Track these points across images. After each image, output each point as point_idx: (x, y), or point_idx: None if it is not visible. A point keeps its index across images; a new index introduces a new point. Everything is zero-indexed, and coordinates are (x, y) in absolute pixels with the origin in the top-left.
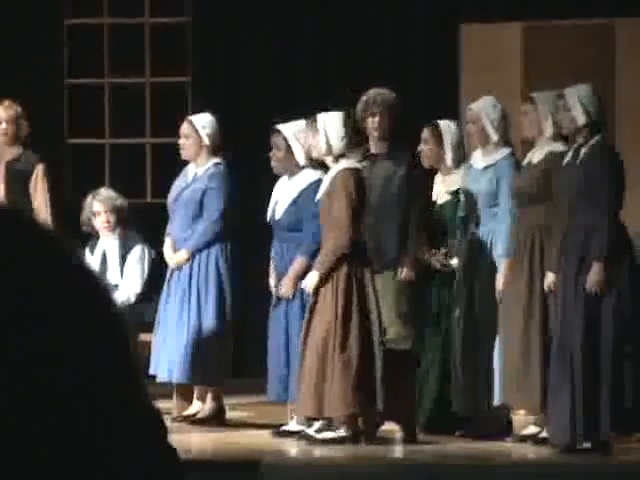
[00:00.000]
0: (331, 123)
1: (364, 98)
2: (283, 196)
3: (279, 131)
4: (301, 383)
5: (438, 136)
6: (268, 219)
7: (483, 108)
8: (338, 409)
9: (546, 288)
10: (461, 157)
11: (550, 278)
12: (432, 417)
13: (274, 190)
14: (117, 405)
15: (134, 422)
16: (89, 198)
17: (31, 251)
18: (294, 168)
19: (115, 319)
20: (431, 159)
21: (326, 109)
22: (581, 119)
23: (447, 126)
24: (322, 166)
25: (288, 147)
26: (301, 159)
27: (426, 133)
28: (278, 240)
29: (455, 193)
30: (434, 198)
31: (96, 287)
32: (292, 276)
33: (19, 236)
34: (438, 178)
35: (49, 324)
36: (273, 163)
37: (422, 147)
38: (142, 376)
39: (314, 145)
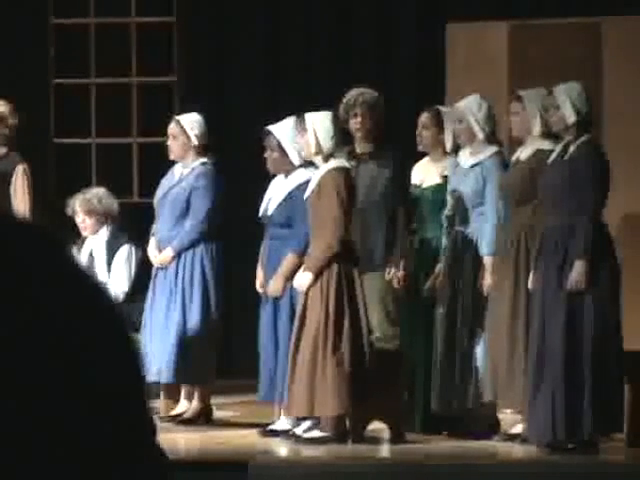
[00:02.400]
0: (320, 123)
1: (345, 99)
2: (277, 192)
3: (270, 132)
4: (292, 383)
5: (439, 120)
6: (260, 215)
7: (468, 107)
8: (329, 408)
9: (530, 287)
10: (456, 145)
11: (532, 276)
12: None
13: (269, 187)
14: (113, 405)
15: (124, 420)
16: (75, 197)
17: (26, 250)
18: (290, 168)
19: (111, 310)
20: (429, 144)
21: (311, 109)
22: (571, 117)
23: (447, 110)
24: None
25: (281, 148)
26: (296, 159)
27: (426, 118)
28: (269, 238)
29: (445, 177)
30: (417, 182)
31: (90, 281)
32: (282, 274)
33: (9, 235)
34: (424, 162)
35: (49, 323)
36: (269, 164)
37: (421, 131)
38: (140, 373)
39: (303, 145)
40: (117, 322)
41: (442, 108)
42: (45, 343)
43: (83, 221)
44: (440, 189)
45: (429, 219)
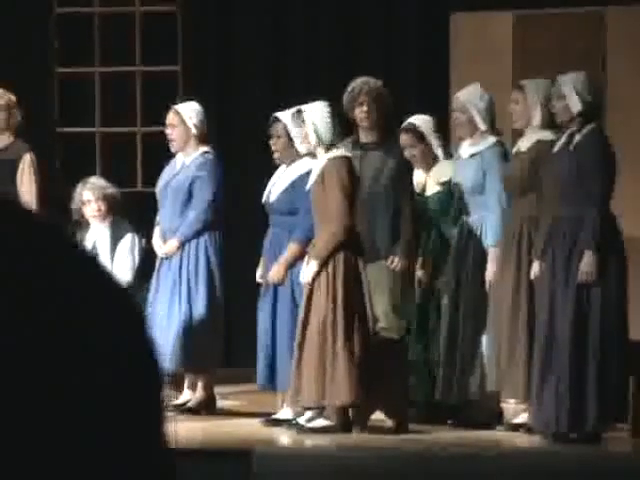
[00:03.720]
0: (318, 114)
1: (350, 88)
2: (280, 180)
3: (278, 119)
4: (300, 374)
5: (420, 136)
6: (263, 201)
7: (470, 97)
8: (341, 397)
9: (532, 277)
10: (445, 146)
11: (536, 267)
12: (424, 406)
13: (273, 176)
14: (122, 403)
15: (133, 419)
16: (79, 187)
17: (29, 241)
18: (295, 157)
19: (126, 297)
20: (421, 160)
21: (314, 98)
22: (576, 107)
23: (423, 122)
24: None
25: (288, 135)
26: (302, 147)
27: (408, 138)
28: (272, 226)
29: (444, 184)
30: (418, 190)
31: (101, 272)
32: (283, 262)
33: (13, 226)
34: (419, 171)
35: (50, 321)
36: (276, 153)
37: (410, 152)
38: (156, 364)
39: (302, 137)
40: (129, 312)
41: (416, 119)
42: (47, 341)
43: (99, 208)
44: (443, 195)
45: (439, 221)
